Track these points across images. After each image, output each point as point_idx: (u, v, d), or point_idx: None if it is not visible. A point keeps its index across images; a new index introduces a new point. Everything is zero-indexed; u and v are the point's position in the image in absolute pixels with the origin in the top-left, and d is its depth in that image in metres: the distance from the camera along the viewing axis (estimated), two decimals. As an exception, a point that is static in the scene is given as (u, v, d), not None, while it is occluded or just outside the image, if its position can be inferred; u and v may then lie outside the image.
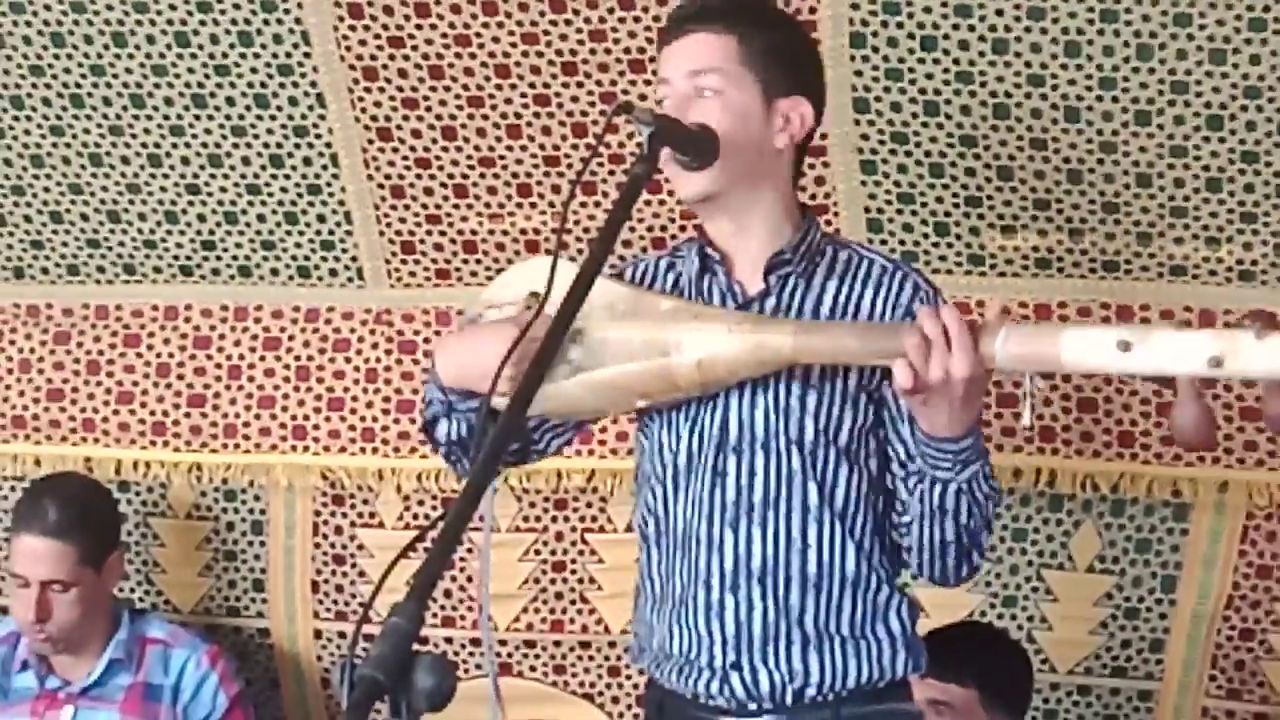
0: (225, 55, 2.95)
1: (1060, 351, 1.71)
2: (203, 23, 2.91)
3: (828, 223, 2.56)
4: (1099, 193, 2.64)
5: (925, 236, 2.75)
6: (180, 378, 3.27)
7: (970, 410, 1.84)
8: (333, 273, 3.19)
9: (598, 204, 2.90)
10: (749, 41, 2.04)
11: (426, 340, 3.11)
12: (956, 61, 2.58)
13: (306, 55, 2.93)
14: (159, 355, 3.29)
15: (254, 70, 2.98)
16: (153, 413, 3.31)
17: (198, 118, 3.04)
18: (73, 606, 2.98)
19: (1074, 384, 2.76)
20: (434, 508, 3.14)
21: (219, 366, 3.26)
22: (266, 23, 2.89)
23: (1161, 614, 2.84)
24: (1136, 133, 2.55)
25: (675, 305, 2.05)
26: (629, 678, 3.02)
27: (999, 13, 2.48)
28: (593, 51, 2.76)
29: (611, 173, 2.85)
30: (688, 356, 1.95)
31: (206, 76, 2.98)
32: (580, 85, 2.82)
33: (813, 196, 2.59)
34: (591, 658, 3.18)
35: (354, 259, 3.16)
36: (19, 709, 3.01)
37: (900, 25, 2.55)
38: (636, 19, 2.65)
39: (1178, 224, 2.63)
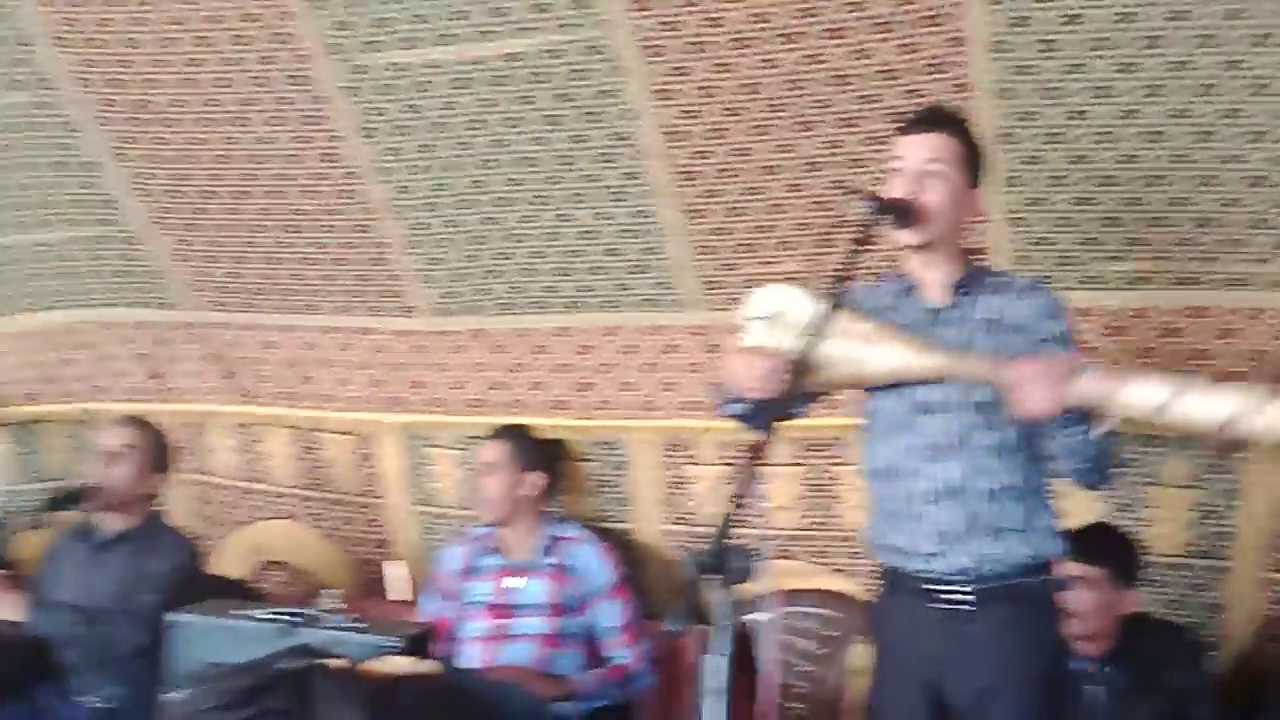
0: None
1: (1126, 395, 2.07)
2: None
3: (983, 256, 2.77)
4: (1179, 230, 3.01)
5: (1053, 266, 3.12)
6: (572, 371, 3.81)
7: (1052, 405, 2.12)
8: (673, 302, 3.56)
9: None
10: (964, 146, 2.42)
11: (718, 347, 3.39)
12: (1076, 154, 2.97)
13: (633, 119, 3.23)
14: (562, 361, 3.81)
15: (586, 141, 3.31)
16: (559, 395, 3.85)
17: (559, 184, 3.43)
18: (504, 496, 3.48)
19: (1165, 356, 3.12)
20: (736, 452, 3.24)
21: (599, 366, 3.75)
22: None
23: (1230, 514, 3.24)
24: (1217, 174, 2.90)
25: (869, 330, 2.35)
26: (866, 560, 3.12)
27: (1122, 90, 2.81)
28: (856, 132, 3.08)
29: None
30: (878, 366, 2.33)
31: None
32: (845, 154, 3.13)
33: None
34: (840, 547, 3.56)
35: (680, 290, 3.53)
36: (487, 578, 3.49)
37: (1028, 128, 2.94)
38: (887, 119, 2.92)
39: (1236, 250, 3.01)
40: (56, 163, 3.93)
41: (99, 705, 3.37)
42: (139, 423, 3.76)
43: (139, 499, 3.64)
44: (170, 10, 3.42)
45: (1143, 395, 2.07)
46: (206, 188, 3.85)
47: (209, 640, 2.89)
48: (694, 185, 3.34)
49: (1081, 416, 2.15)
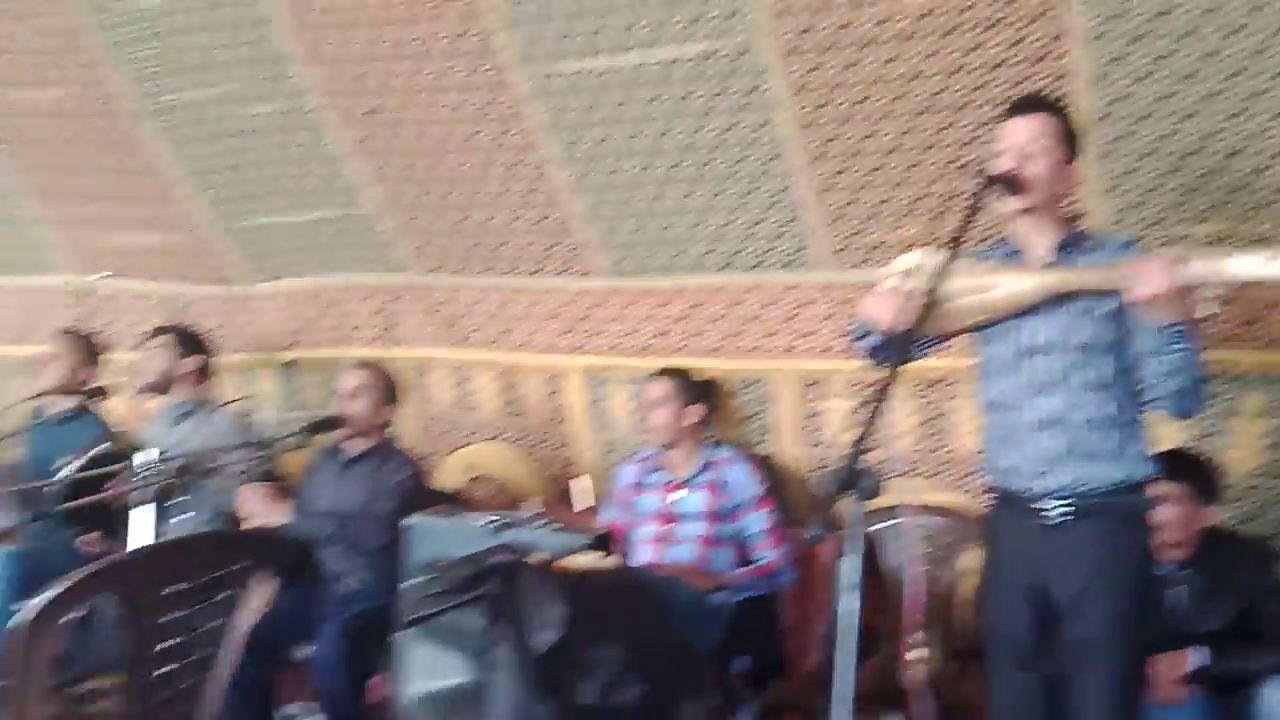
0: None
1: (1227, 267, 2.09)
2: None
3: (1082, 221, 2.64)
4: (1257, 195, 2.96)
5: (1144, 228, 3.08)
6: (724, 321, 3.83)
7: (1174, 309, 2.13)
8: (808, 263, 3.56)
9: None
10: (1062, 125, 2.41)
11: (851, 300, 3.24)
12: (1164, 130, 2.92)
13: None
14: (715, 313, 3.82)
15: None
16: (713, 342, 3.83)
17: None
18: (669, 425, 3.51)
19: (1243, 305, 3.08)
20: (865, 388, 3.52)
21: (746, 317, 3.75)
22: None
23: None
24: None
25: (993, 266, 2.40)
26: (974, 479, 3.22)
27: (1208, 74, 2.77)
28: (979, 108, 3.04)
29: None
30: (1001, 291, 2.33)
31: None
32: (958, 136, 3.12)
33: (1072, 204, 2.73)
34: (952, 468, 3.55)
35: (814, 253, 3.52)
36: (654, 492, 3.53)
37: (1121, 109, 2.91)
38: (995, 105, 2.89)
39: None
40: (305, 159, 4.07)
41: (351, 589, 3.56)
42: (373, 366, 3.92)
43: (375, 427, 3.78)
44: (394, 37, 3.55)
45: (1245, 265, 2.08)
46: (425, 175, 3.96)
47: (435, 539, 2.96)
48: (826, 164, 3.35)
49: (1180, 334, 2.16)
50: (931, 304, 2.21)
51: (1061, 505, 2.33)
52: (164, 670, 1.97)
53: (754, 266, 3.71)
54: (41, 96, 4.23)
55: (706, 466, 3.55)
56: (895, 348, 2.20)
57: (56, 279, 4.99)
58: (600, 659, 2.25)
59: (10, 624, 1.76)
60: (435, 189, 4.01)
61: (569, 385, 4.25)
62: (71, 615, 1.83)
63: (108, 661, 2.18)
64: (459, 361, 4.44)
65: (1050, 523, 2.34)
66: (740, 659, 3.29)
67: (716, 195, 3.58)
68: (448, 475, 4.43)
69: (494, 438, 4.48)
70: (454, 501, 3.96)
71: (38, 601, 1.77)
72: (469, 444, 4.52)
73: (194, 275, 4.72)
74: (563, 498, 4.20)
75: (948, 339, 2.51)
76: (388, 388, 3.87)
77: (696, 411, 3.60)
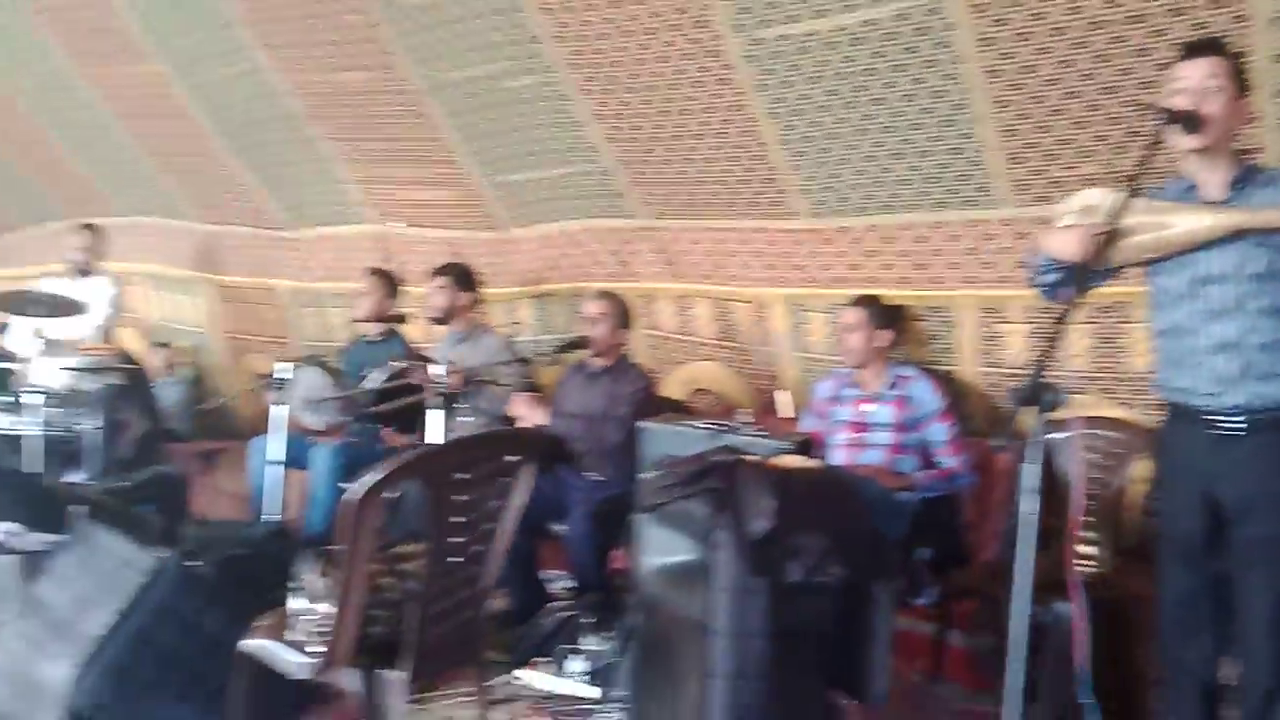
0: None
1: None
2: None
3: (1254, 156, 2.56)
4: None
5: None
6: (911, 255, 3.72)
7: None
8: (989, 200, 3.38)
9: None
10: (1234, 65, 2.25)
11: (1030, 234, 3.21)
12: None
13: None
14: (903, 248, 3.69)
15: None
16: (901, 273, 3.73)
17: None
18: (862, 348, 3.41)
19: None
20: (1042, 313, 3.37)
21: (931, 251, 3.60)
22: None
23: None
24: None
25: (1170, 205, 2.24)
26: (1144, 395, 3.23)
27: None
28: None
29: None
30: (1178, 229, 2.18)
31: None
32: (1137, 78, 2.88)
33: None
34: (1123, 385, 3.36)
35: (995, 191, 3.36)
36: (848, 404, 3.46)
37: None
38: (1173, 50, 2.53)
39: None
40: (555, 124, 4.12)
41: (597, 479, 3.65)
42: (610, 295, 3.95)
43: (613, 347, 3.83)
44: (626, 16, 3.54)
45: None
46: (652, 135, 3.95)
47: (665, 440, 3.02)
48: (1008, 110, 3.17)
49: None
50: (1109, 239, 2.09)
51: (1234, 420, 2.19)
52: (457, 540, 2.08)
53: (939, 205, 3.55)
54: (347, 79, 4.40)
55: (894, 383, 3.48)
56: (1074, 282, 2.09)
57: (364, 228, 5.22)
58: (805, 544, 2.24)
59: (343, 500, 1.87)
60: (660, 147, 3.99)
61: (773, 313, 4.20)
62: (389, 494, 1.93)
63: (413, 532, 2.31)
64: (680, 292, 4.44)
65: (1223, 435, 2.20)
66: (923, 550, 3.23)
67: (905, 142, 3.43)
68: (672, 388, 4.49)
69: (710, 358, 4.48)
70: (679, 409, 4.00)
71: (363, 483, 1.88)
72: (689, 362, 4.54)
73: (467, 223, 4.86)
74: (768, 408, 4.17)
75: (1122, 270, 2.35)
76: (623, 314, 3.91)
77: (886, 335, 3.52)
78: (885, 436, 3.42)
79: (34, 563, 2.98)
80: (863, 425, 3.48)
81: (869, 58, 3.25)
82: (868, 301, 3.57)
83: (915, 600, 3.14)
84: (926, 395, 3.44)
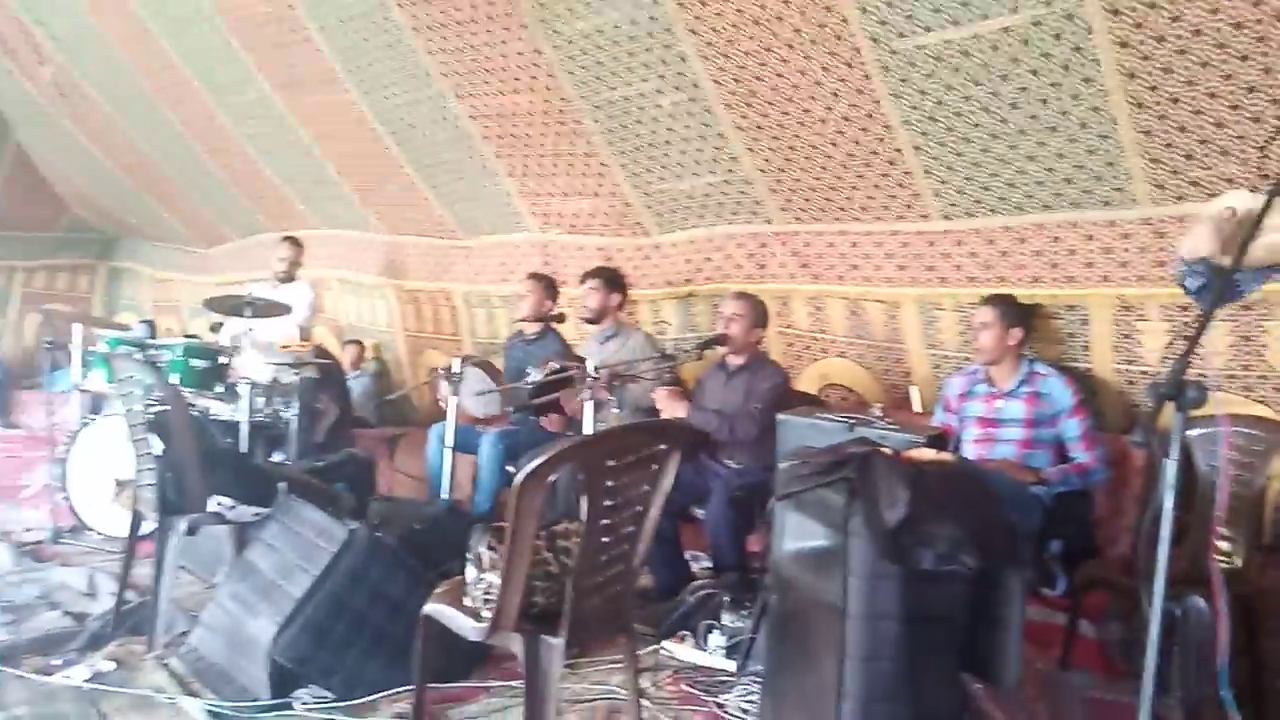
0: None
1: None
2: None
3: None
4: None
5: None
6: (1045, 255, 3.53)
7: None
8: (1126, 201, 3.21)
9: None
10: None
11: (1168, 234, 3.14)
12: None
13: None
14: (1037, 248, 3.52)
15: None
16: (1035, 272, 3.55)
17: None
18: (994, 345, 3.34)
19: None
20: (1178, 311, 3.26)
21: (1066, 250, 3.46)
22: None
23: None
24: None
25: None
26: None
27: None
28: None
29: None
30: None
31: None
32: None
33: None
34: (1263, 382, 3.18)
35: (1133, 191, 3.19)
36: (980, 400, 3.40)
37: None
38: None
39: None
40: (700, 136, 4.11)
41: (735, 467, 3.64)
42: (747, 296, 3.91)
43: (750, 344, 3.80)
44: (767, 32, 3.48)
45: None
46: (790, 144, 3.89)
47: (801, 431, 3.00)
48: (1147, 111, 2.99)
49: None
50: (1250, 240, 1.90)
51: None
52: (608, 521, 2.11)
53: (1075, 205, 3.39)
54: (514, 102, 4.50)
55: (1025, 380, 3.37)
56: (1220, 286, 1.92)
57: (527, 236, 5.34)
58: (938, 534, 2.16)
59: (515, 481, 1.92)
60: (797, 155, 3.94)
61: (905, 312, 4.09)
62: (551, 478, 1.97)
63: (568, 513, 2.36)
64: (814, 293, 4.38)
65: None
66: (1056, 542, 3.14)
67: (1041, 145, 3.29)
68: (806, 383, 4.44)
69: (842, 354, 4.41)
70: (813, 403, 3.95)
71: (530, 467, 1.93)
72: (823, 359, 4.48)
73: (618, 230, 4.91)
74: (899, 404, 4.10)
75: (1270, 272, 2.11)
76: (759, 313, 3.88)
77: (1017, 333, 3.41)
78: (1017, 432, 3.33)
79: (245, 532, 3.18)
80: (994, 421, 3.38)
81: (1005, 63, 3.14)
82: (1000, 300, 3.46)
83: (1047, 590, 3.05)
84: (1059, 391, 3.32)
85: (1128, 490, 3.35)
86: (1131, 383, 3.51)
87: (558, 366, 3.94)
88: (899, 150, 3.62)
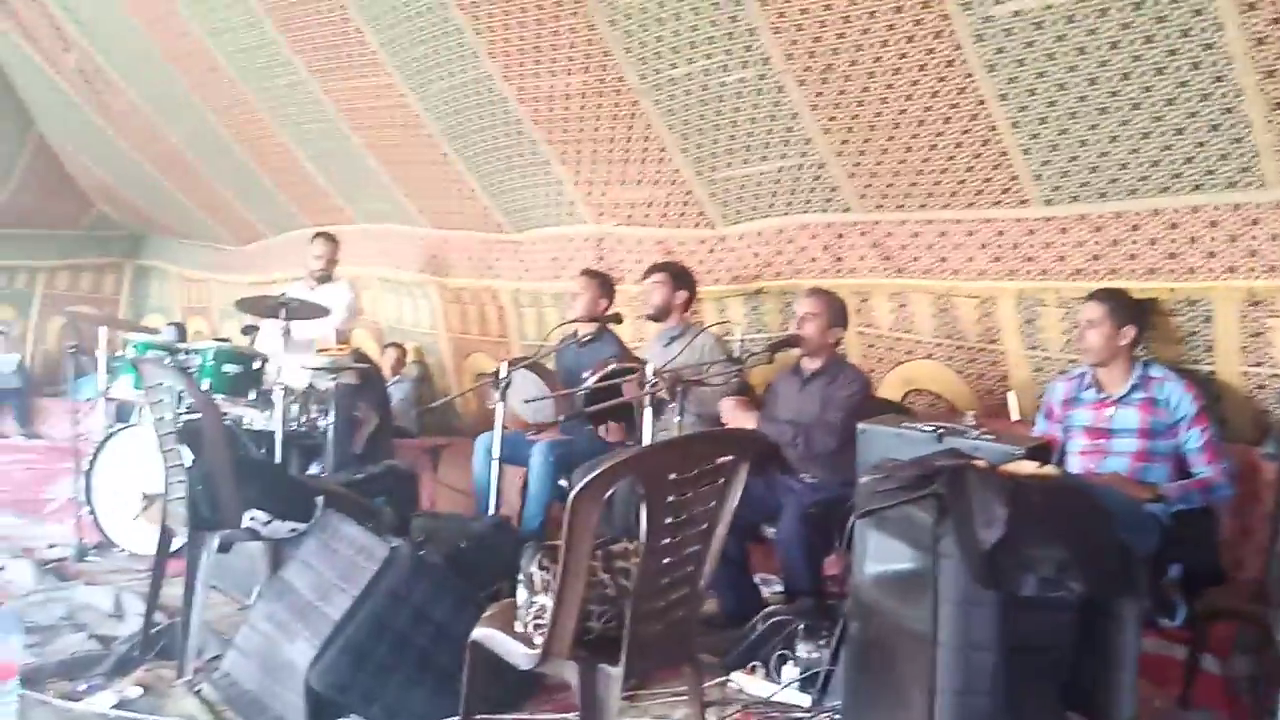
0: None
1: None
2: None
3: None
4: None
5: None
6: (1161, 244, 3.46)
7: None
8: (1255, 183, 3.16)
9: None
10: None
11: None
12: None
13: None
14: (1152, 235, 3.47)
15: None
16: (1150, 263, 3.50)
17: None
18: (1103, 346, 3.30)
19: None
20: None
21: (1187, 239, 3.39)
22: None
23: None
24: None
25: None
26: None
27: None
28: None
29: None
30: None
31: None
32: None
33: None
34: None
35: (1264, 171, 3.12)
36: (1087, 408, 3.35)
37: None
38: None
39: None
40: (770, 117, 4.10)
41: (810, 481, 3.65)
42: (823, 293, 3.92)
43: (825, 346, 3.80)
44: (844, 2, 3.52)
45: None
46: (870, 123, 3.88)
47: (885, 442, 2.99)
48: (1275, 81, 2.90)
49: None
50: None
51: None
52: (670, 539, 2.12)
53: (1196, 188, 3.31)
54: (566, 83, 4.55)
55: (1139, 384, 3.31)
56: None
57: (580, 228, 5.39)
58: (1041, 557, 2.14)
59: (569, 496, 1.95)
60: (878, 135, 3.91)
61: (1001, 308, 4.04)
62: (608, 492, 1.99)
63: (626, 530, 2.37)
64: (898, 288, 4.35)
65: None
66: (1175, 566, 3.05)
67: (1156, 121, 3.22)
68: (889, 389, 4.42)
69: (929, 356, 4.38)
70: (897, 411, 3.93)
71: (585, 480, 1.95)
72: (907, 362, 4.45)
73: (678, 221, 4.93)
74: (994, 411, 4.04)
75: None
76: (836, 312, 3.87)
77: (1129, 332, 3.35)
78: (1129, 443, 3.27)
79: (280, 550, 3.26)
80: (1104, 430, 3.33)
81: (1115, 30, 3.08)
82: (1109, 294, 3.41)
83: (1165, 620, 2.98)
84: (1178, 397, 3.26)
85: (1257, 508, 3.27)
86: (1261, 387, 3.42)
87: (615, 368, 3.97)
88: (994, 128, 3.58)
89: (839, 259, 4.47)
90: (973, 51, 3.39)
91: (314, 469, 4.69)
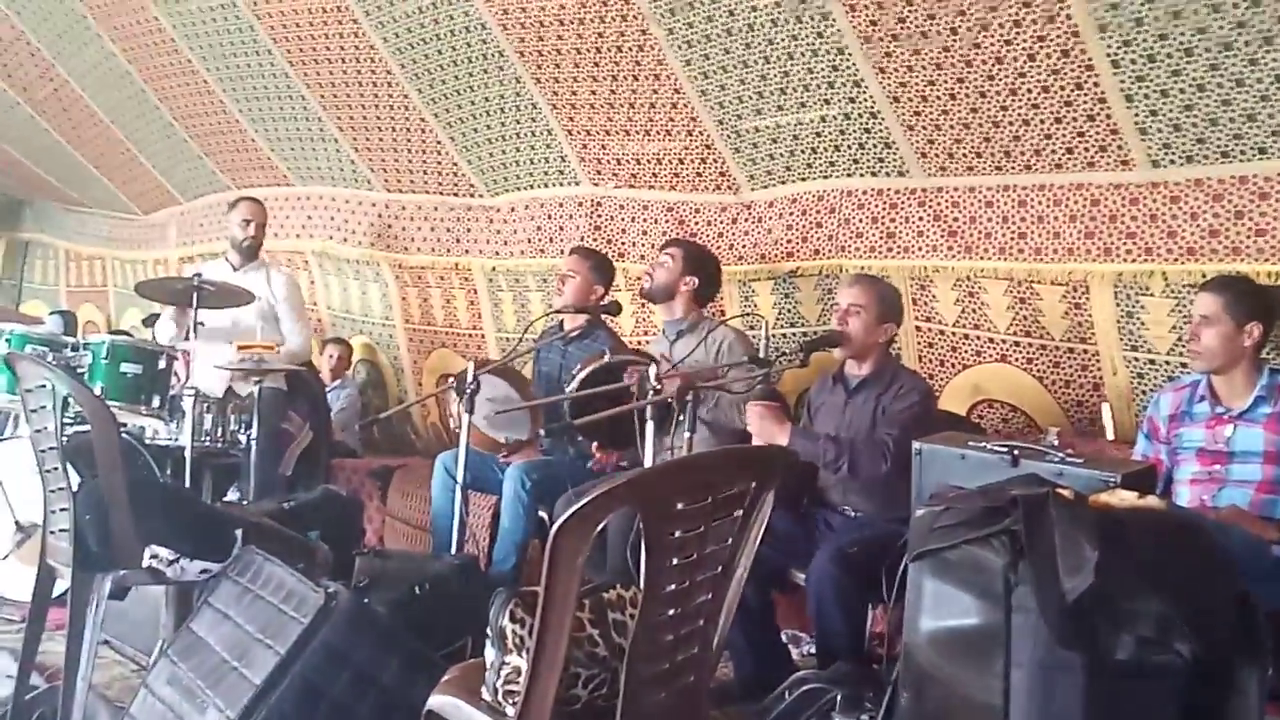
0: None
1: None
2: None
3: None
4: None
5: None
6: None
7: None
8: None
9: None
10: None
11: None
12: None
13: None
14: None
15: None
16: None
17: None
18: (1220, 347, 3.29)
19: None
20: None
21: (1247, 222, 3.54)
22: None
23: None
24: None
25: None
26: None
27: None
28: None
29: None
30: None
31: None
32: None
33: None
34: None
35: None
36: (1199, 425, 3.36)
37: None
38: None
39: None
40: (811, 51, 4.11)
41: (853, 514, 3.66)
42: (872, 279, 3.93)
43: (874, 345, 3.79)
44: None
45: None
46: (937, 61, 3.89)
47: (947, 465, 2.95)
48: None
49: None
50: None
51: None
52: (676, 586, 2.12)
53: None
54: (559, 6, 4.56)
55: (1266, 396, 3.32)
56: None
57: (572, 190, 5.42)
58: (1141, 611, 2.16)
59: (554, 528, 1.95)
60: (945, 76, 3.94)
61: (1094, 297, 4.08)
62: (599, 526, 1.99)
63: (623, 573, 2.38)
64: (966, 272, 4.37)
65: None
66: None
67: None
68: (954, 399, 4.46)
69: (1004, 358, 4.40)
70: (963, 426, 3.93)
71: (570, 511, 1.94)
72: (976, 365, 4.48)
73: (694, 183, 4.96)
74: (1084, 427, 4.09)
75: None
76: (889, 303, 3.88)
77: (1256, 330, 3.34)
78: (1254, 470, 3.29)
79: (189, 595, 3.27)
80: (1220, 455, 3.35)
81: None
82: (1229, 283, 3.42)
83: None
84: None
85: None
86: None
87: (610, 361, 3.94)
88: (1089, 68, 3.60)
89: (892, 235, 4.50)
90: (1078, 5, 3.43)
91: (232, 495, 4.70)
